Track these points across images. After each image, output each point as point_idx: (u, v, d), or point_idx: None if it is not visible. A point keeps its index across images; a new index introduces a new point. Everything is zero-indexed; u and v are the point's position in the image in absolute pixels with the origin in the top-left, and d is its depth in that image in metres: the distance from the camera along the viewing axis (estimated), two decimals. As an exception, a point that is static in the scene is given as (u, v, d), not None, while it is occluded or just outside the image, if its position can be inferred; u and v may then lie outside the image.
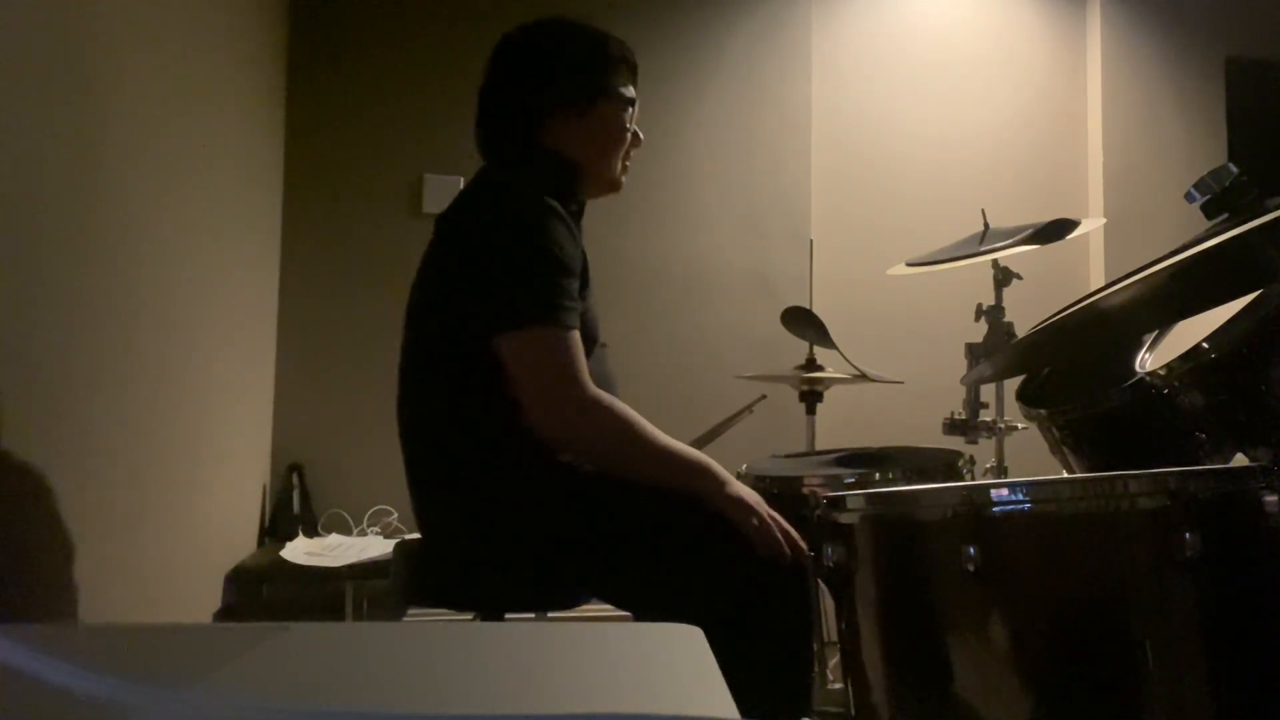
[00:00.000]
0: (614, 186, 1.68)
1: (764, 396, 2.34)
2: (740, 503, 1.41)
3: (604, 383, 1.52)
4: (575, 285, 1.46)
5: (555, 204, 1.47)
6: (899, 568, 1.23)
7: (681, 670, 0.66)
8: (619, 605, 1.49)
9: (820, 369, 2.42)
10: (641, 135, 1.68)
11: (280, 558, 2.52)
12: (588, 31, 1.64)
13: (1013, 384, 1.82)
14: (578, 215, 1.61)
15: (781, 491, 1.92)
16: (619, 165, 1.66)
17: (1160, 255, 1.37)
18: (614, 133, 1.63)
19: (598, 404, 1.42)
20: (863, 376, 2.30)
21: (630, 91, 1.64)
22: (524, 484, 1.47)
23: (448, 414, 1.51)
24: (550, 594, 1.54)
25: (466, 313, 1.46)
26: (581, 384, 1.41)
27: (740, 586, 1.38)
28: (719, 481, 1.43)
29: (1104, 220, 3.15)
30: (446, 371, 1.51)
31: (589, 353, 1.48)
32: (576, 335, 1.43)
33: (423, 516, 1.57)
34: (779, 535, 1.39)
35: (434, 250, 1.56)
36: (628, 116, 1.64)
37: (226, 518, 2.55)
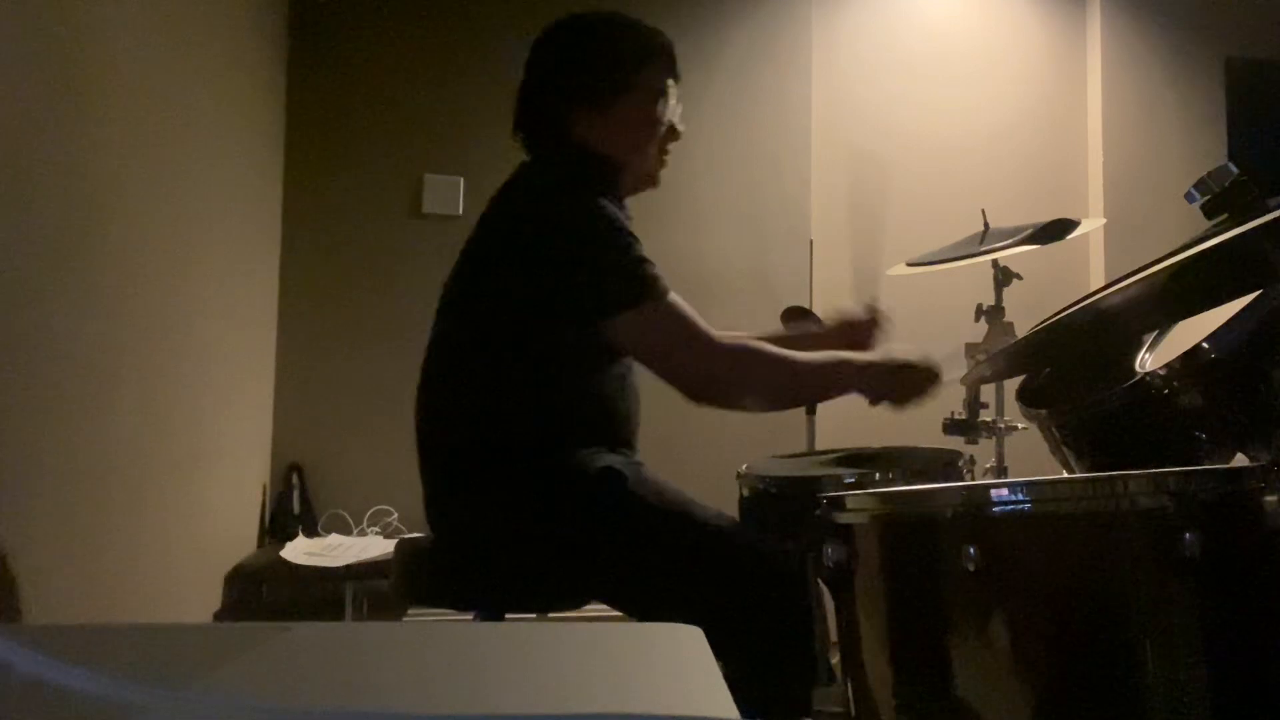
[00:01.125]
0: (649, 181, 1.67)
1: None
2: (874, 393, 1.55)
3: (624, 399, 1.54)
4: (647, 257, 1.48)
5: (598, 196, 1.49)
6: (899, 568, 1.23)
7: (681, 670, 0.66)
8: (619, 607, 1.49)
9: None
10: (681, 128, 1.66)
11: (280, 558, 2.52)
12: (615, 23, 1.63)
13: (1013, 384, 1.82)
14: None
15: (782, 492, 1.92)
16: (652, 159, 1.64)
17: (1160, 255, 1.37)
18: (641, 126, 1.61)
19: (733, 351, 1.49)
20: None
21: (661, 82, 1.61)
22: (528, 485, 1.47)
23: (468, 411, 1.52)
24: (551, 595, 1.54)
25: (559, 305, 1.46)
26: (710, 339, 1.46)
27: (741, 587, 1.38)
28: (857, 381, 1.54)
29: (1104, 220, 3.15)
30: (477, 369, 1.51)
31: (606, 366, 1.51)
32: (678, 298, 1.47)
33: (433, 515, 1.57)
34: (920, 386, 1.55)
35: (481, 246, 1.55)
36: (659, 108, 1.61)
37: (226, 518, 2.55)
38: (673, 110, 1.64)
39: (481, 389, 1.51)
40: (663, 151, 1.66)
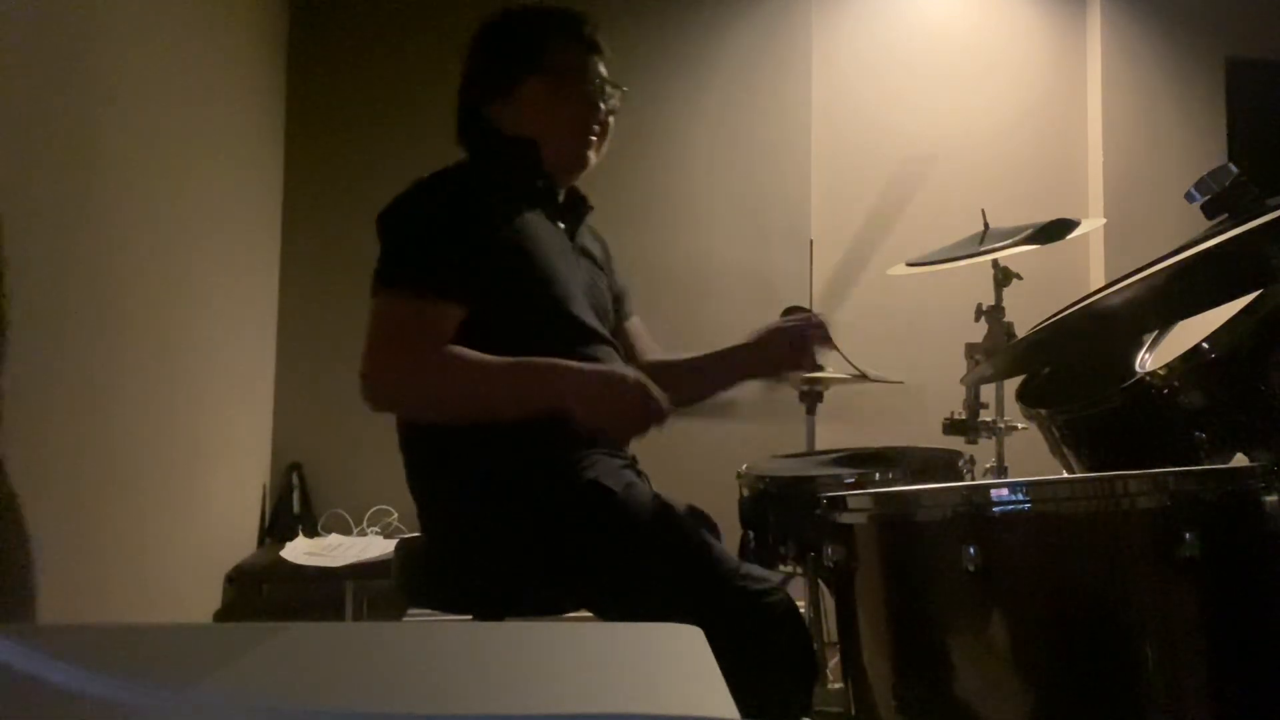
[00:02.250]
0: (575, 164, 1.59)
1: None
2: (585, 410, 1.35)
3: None
4: (456, 249, 1.41)
5: (474, 178, 1.48)
6: (899, 568, 1.23)
7: (681, 670, 0.66)
8: (609, 617, 1.47)
9: (820, 369, 2.42)
10: (605, 105, 1.58)
11: (280, 558, 2.52)
12: (517, 12, 1.61)
13: (1013, 384, 1.82)
14: (546, 192, 1.58)
15: (782, 492, 1.92)
16: (573, 139, 1.58)
17: (1160, 255, 1.37)
18: (552, 104, 1.56)
19: (432, 363, 1.36)
20: (863, 376, 2.29)
21: (571, 59, 1.57)
22: (521, 488, 1.46)
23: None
24: (548, 598, 1.53)
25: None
26: (416, 351, 1.36)
27: (731, 623, 1.36)
28: (564, 395, 1.36)
29: (1104, 220, 3.15)
30: None
31: (572, 341, 1.45)
32: (431, 302, 1.38)
33: (423, 516, 1.57)
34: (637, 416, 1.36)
35: None
36: (570, 85, 1.56)
37: (226, 518, 2.55)
38: (598, 87, 1.58)
39: None
40: (589, 131, 1.58)
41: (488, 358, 1.38)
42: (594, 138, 1.60)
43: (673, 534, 1.43)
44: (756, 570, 1.46)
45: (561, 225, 1.60)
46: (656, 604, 1.37)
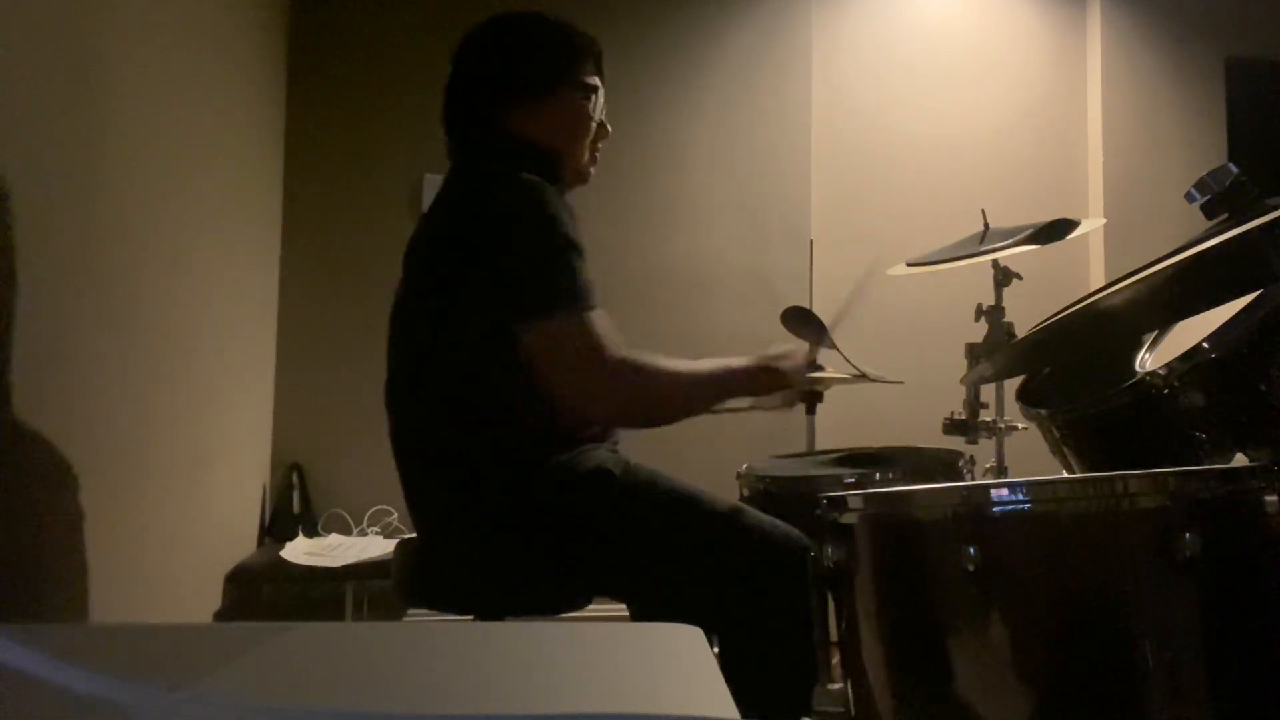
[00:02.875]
0: (580, 177, 1.66)
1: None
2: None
3: None
4: (584, 264, 1.46)
5: (548, 185, 1.47)
6: (899, 568, 1.23)
7: (681, 670, 0.66)
8: (622, 599, 1.49)
9: (820, 369, 2.42)
10: (609, 126, 1.67)
11: (280, 558, 2.52)
12: (546, 21, 1.64)
13: (1013, 384, 1.82)
14: None
15: (782, 492, 1.92)
16: (585, 155, 1.64)
17: (1160, 255, 1.37)
18: (576, 120, 1.61)
19: (629, 375, 1.45)
20: (863, 376, 2.29)
21: (593, 80, 1.62)
22: (520, 486, 1.46)
23: (443, 416, 1.50)
24: (549, 598, 1.53)
25: (483, 306, 1.44)
26: (609, 360, 1.43)
27: (741, 586, 1.38)
28: (750, 389, 1.59)
29: (1104, 220, 3.15)
30: (444, 370, 1.49)
31: None
32: (600, 315, 1.45)
33: (418, 519, 1.57)
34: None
35: (427, 248, 1.54)
36: (590, 105, 1.62)
37: (226, 518, 2.55)
38: (601, 109, 1.65)
39: (453, 393, 1.48)
40: (594, 150, 1.66)
41: (667, 362, 1.50)
42: (597, 152, 1.67)
43: (681, 496, 1.48)
44: (769, 519, 1.48)
45: None
46: (674, 563, 1.40)
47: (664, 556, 1.43)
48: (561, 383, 1.43)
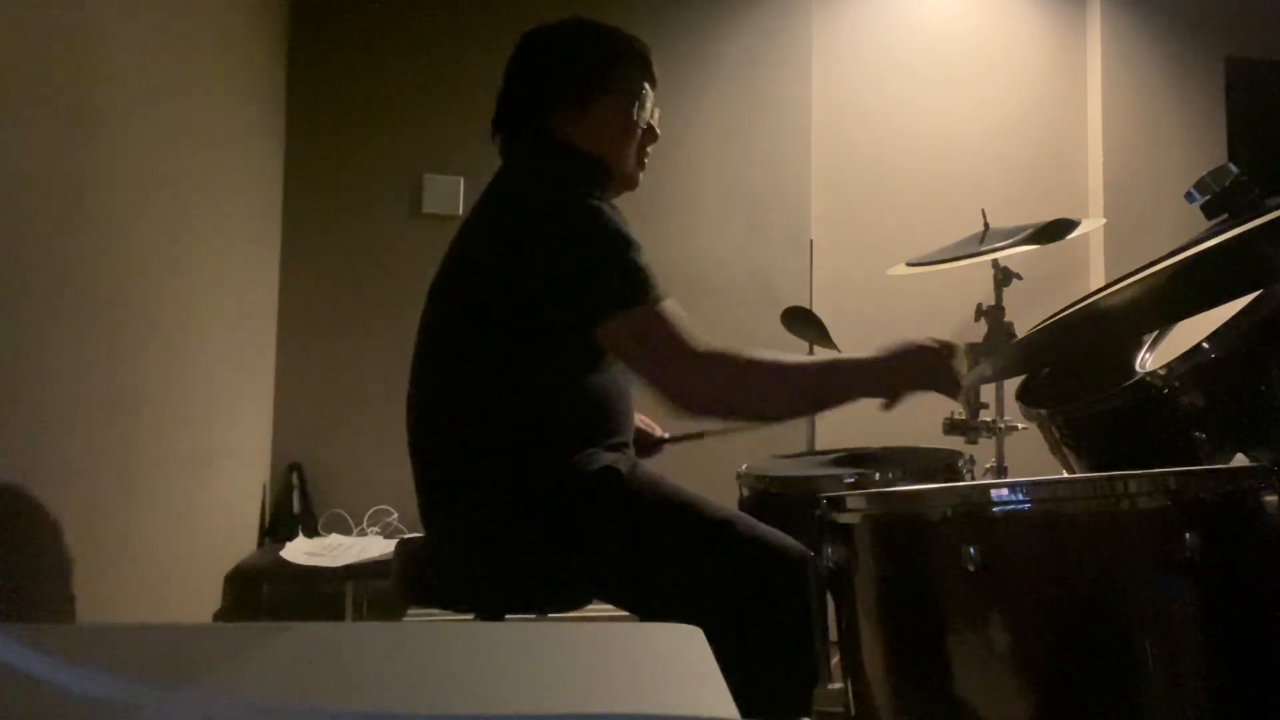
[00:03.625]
0: (628, 183, 1.68)
1: None
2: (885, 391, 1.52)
3: (619, 397, 1.54)
4: (641, 253, 1.47)
5: (595, 194, 1.50)
6: (899, 568, 1.23)
7: (681, 670, 0.66)
8: (620, 604, 1.49)
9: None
10: (659, 131, 1.69)
11: (280, 558, 2.52)
12: (594, 28, 1.66)
13: (1013, 384, 1.82)
14: None
15: (782, 492, 1.92)
16: (631, 160, 1.66)
17: (1160, 255, 1.37)
18: (620, 126, 1.63)
19: (720, 363, 1.43)
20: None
21: (638, 84, 1.64)
22: (527, 485, 1.47)
23: (462, 416, 1.51)
24: (550, 596, 1.54)
25: (523, 313, 1.46)
26: (696, 351, 1.42)
27: (742, 586, 1.38)
28: (865, 384, 1.52)
29: (1104, 220, 3.15)
30: (471, 369, 1.50)
31: (600, 364, 1.50)
32: (674, 303, 1.45)
33: (428, 516, 1.57)
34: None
35: (471, 250, 1.55)
36: (636, 109, 1.63)
37: (226, 518, 2.55)
38: (650, 113, 1.67)
39: (475, 389, 1.50)
40: (642, 154, 1.68)
41: (776, 355, 1.46)
42: (645, 160, 1.69)
43: (685, 500, 1.47)
44: (772, 530, 1.48)
45: None
46: (676, 572, 1.40)
47: (663, 561, 1.43)
48: (652, 373, 1.44)
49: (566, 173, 1.54)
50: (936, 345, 1.54)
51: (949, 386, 1.54)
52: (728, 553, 1.42)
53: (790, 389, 1.48)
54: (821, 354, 1.62)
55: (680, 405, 1.44)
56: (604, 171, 1.61)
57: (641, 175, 1.69)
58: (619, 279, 1.44)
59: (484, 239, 1.53)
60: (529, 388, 1.48)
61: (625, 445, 1.60)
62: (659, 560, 1.43)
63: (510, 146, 1.65)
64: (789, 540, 1.45)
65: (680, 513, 1.46)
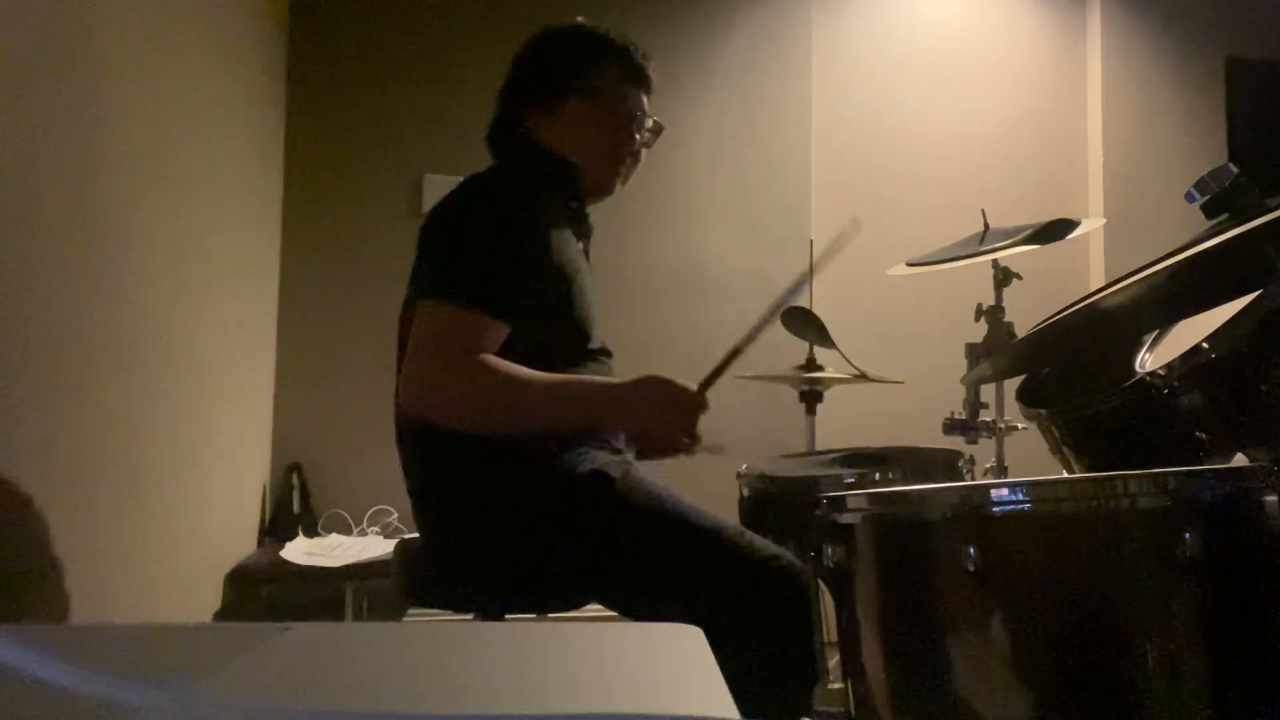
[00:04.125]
0: (602, 190, 1.63)
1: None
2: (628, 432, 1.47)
3: None
4: (528, 276, 1.42)
5: (528, 193, 1.47)
6: (899, 568, 1.23)
7: (681, 670, 0.66)
8: (616, 608, 1.48)
9: (820, 369, 2.42)
10: (640, 138, 1.63)
11: (280, 558, 2.52)
12: (575, 30, 1.63)
13: (1013, 384, 1.82)
14: (576, 214, 1.60)
15: (782, 492, 1.92)
16: (606, 167, 1.61)
17: (1160, 255, 1.37)
18: (591, 130, 1.59)
19: (471, 373, 1.36)
20: (863, 376, 2.29)
21: (618, 87, 1.60)
22: (522, 486, 1.46)
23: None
24: (549, 596, 1.53)
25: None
26: (458, 362, 1.36)
27: (729, 596, 1.37)
28: (598, 408, 1.44)
29: (1104, 220, 3.15)
30: None
31: (571, 358, 1.47)
32: (488, 323, 1.38)
33: (421, 518, 1.57)
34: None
35: (421, 246, 1.55)
36: (614, 111, 1.60)
37: (226, 518, 2.55)
38: (638, 119, 1.62)
39: None
40: (621, 163, 1.62)
41: (525, 372, 1.39)
42: (623, 167, 1.63)
43: (676, 508, 1.45)
44: (763, 540, 1.47)
45: (581, 245, 1.61)
46: (668, 580, 1.39)
47: (652, 569, 1.43)
48: (412, 366, 1.39)
49: (535, 176, 1.52)
50: (690, 393, 1.45)
51: (678, 435, 1.47)
52: (716, 563, 1.41)
53: (527, 403, 1.41)
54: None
55: (413, 402, 1.39)
56: (571, 173, 1.58)
57: (620, 185, 1.64)
58: (439, 267, 1.42)
59: (423, 233, 1.53)
60: None
61: (615, 443, 1.59)
62: (648, 569, 1.43)
63: (494, 151, 1.64)
64: (777, 549, 1.45)
65: (668, 521, 1.44)
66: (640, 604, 1.43)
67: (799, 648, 1.42)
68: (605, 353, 1.59)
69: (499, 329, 1.40)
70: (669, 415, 1.46)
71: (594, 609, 1.59)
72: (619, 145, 1.61)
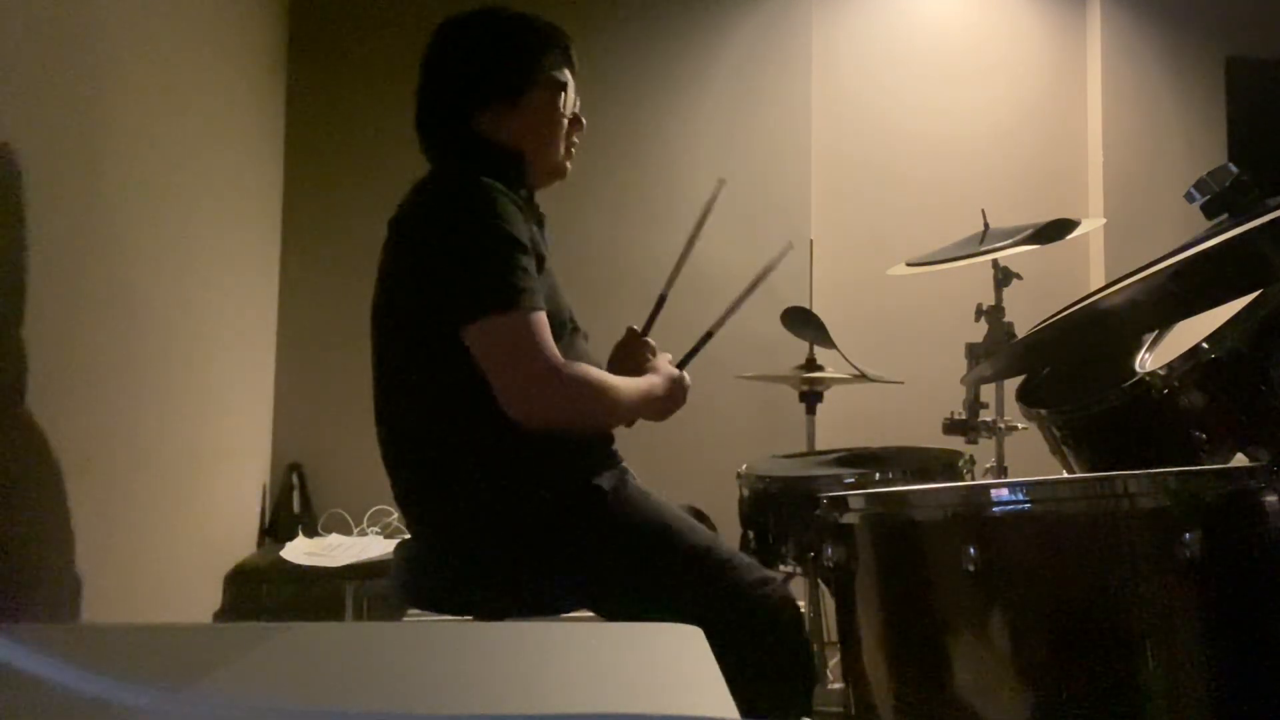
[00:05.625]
0: (558, 173, 1.65)
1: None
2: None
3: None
4: (533, 263, 1.43)
5: (501, 186, 1.46)
6: (899, 568, 1.23)
7: (681, 670, 0.66)
8: (612, 617, 1.47)
9: (820, 369, 2.42)
10: (584, 120, 1.66)
11: (280, 558, 2.52)
12: (514, 18, 1.61)
13: (1013, 384, 1.82)
14: (528, 203, 1.60)
15: (782, 492, 1.92)
16: (560, 150, 1.63)
17: (1160, 255, 1.37)
18: (549, 119, 1.60)
19: (571, 380, 1.42)
20: (863, 376, 2.30)
21: (563, 75, 1.61)
22: (514, 492, 1.45)
23: (429, 422, 1.49)
24: (543, 606, 1.52)
25: (435, 309, 1.44)
26: (550, 362, 1.39)
27: (727, 616, 1.36)
28: (647, 407, 1.59)
29: (1104, 220, 3.15)
30: (422, 377, 1.48)
31: (558, 336, 1.47)
32: (542, 315, 1.41)
33: (413, 524, 1.56)
34: None
35: (391, 253, 1.54)
36: (562, 100, 1.61)
37: (226, 518, 2.55)
38: (573, 103, 1.64)
39: (434, 399, 1.47)
40: (569, 143, 1.64)
41: (605, 376, 1.51)
42: (571, 146, 1.65)
43: (666, 529, 1.46)
44: (752, 563, 1.47)
45: (541, 233, 1.61)
46: (654, 600, 1.38)
47: (644, 587, 1.43)
48: (511, 383, 1.39)
49: (486, 168, 1.51)
50: (683, 379, 1.67)
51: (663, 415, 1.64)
52: (703, 585, 1.41)
53: (615, 415, 1.56)
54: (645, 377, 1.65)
55: (531, 419, 1.41)
56: (524, 165, 1.58)
57: (569, 164, 1.66)
58: (481, 283, 1.40)
59: (407, 240, 1.51)
60: (486, 395, 1.42)
61: (609, 445, 1.59)
62: (638, 585, 1.43)
63: (433, 145, 1.63)
64: (768, 573, 1.46)
65: (659, 538, 1.45)
66: (638, 603, 1.42)
67: (799, 648, 1.42)
68: (585, 334, 1.61)
69: (546, 319, 1.44)
70: (679, 403, 1.64)
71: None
72: (570, 131, 1.64)
